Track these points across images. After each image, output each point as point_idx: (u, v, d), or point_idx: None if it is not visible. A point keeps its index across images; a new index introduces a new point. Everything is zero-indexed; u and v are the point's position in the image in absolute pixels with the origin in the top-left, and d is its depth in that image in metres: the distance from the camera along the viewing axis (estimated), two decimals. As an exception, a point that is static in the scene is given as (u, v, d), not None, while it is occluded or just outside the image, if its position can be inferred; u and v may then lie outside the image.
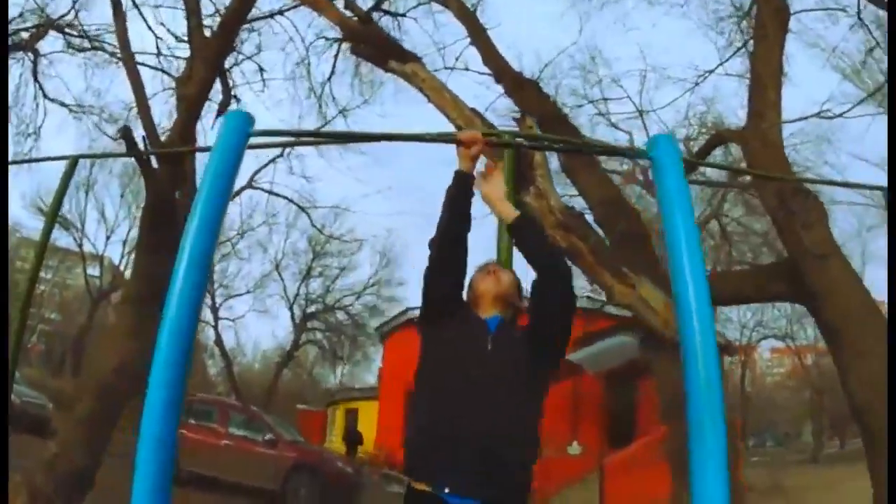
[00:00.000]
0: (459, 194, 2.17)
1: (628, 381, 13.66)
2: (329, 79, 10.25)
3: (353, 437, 19.44)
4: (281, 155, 14.17)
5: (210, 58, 5.13)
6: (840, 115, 8.78)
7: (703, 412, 2.00)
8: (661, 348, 5.26)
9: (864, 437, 4.81)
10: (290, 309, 25.97)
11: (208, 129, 6.38)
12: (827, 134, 15.22)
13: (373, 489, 12.00)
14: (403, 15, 8.79)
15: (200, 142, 5.82)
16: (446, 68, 8.32)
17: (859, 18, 9.02)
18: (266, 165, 16.55)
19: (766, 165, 5.68)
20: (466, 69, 9.18)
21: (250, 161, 15.16)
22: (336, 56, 10.06)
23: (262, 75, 9.38)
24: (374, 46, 6.31)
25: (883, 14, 8.95)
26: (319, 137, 4.94)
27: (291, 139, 2.77)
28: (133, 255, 5.43)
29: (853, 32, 9.58)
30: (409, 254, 27.92)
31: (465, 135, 2.28)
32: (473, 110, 6.12)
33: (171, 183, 5.08)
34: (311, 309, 27.22)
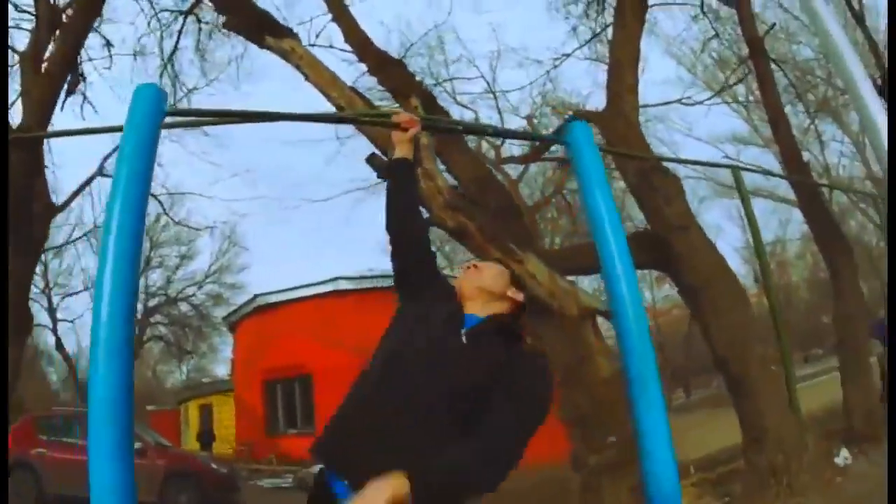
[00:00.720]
0: (406, 180, 2.07)
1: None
2: (172, 55, 9.48)
3: (207, 438, 18.54)
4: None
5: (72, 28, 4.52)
6: (700, 103, 9.83)
7: (642, 365, 2.14)
8: (548, 318, 5.53)
9: (728, 382, 5.57)
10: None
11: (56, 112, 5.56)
12: (663, 116, 16.95)
13: (245, 487, 11.56)
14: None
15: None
16: (311, 45, 7.99)
17: (702, 11, 10.09)
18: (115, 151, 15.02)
19: (627, 145, 6.16)
20: (330, 46, 8.94)
21: (102, 145, 14.06)
22: (180, 31, 9.32)
23: (108, 51, 8.36)
24: (248, 20, 5.89)
25: (723, 8, 10.08)
26: (245, 117, 4.58)
27: (212, 118, 2.52)
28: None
29: (695, 22, 10.72)
30: (251, 238, 26.89)
31: (403, 117, 2.15)
32: (353, 89, 5.98)
33: (26, 173, 4.47)
34: (153, 302, 25.33)
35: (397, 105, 6.11)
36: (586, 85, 28.01)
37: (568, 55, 11.01)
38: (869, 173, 22.04)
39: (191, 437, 21.53)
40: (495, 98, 13.85)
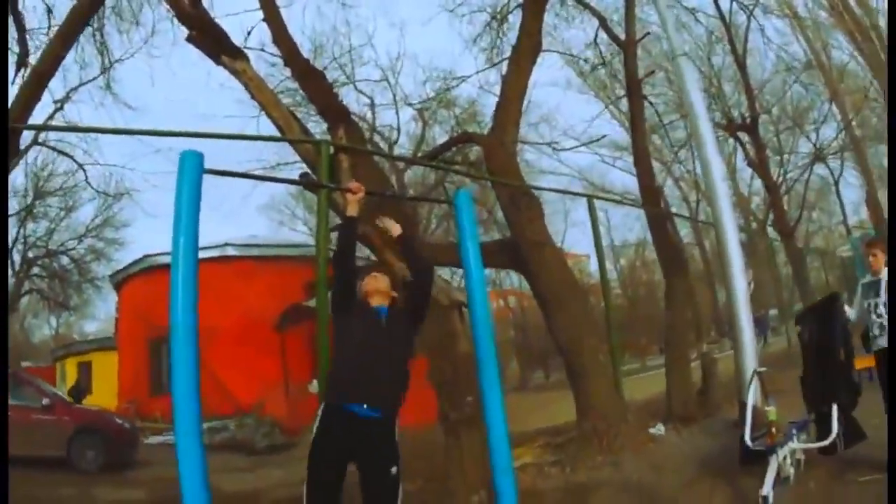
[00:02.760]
0: (350, 235, 3.40)
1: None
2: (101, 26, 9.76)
3: (79, 393, 18.35)
4: (62, 107, 13.58)
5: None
6: (569, 149, 11.42)
7: (485, 352, 3.64)
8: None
9: (567, 368, 7.09)
10: (10, 254, 22.64)
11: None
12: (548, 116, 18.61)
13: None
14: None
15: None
16: (245, 48, 8.61)
17: (595, 42, 11.58)
18: (51, 116, 14.63)
19: (502, 169, 7.41)
20: (262, 50, 9.53)
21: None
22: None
23: (49, 18, 8.45)
24: (210, 39, 6.50)
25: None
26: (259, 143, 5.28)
27: (239, 173, 3.55)
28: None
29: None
30: (141, 197, 25.89)
31: (354, 185, 3.50)
32: (290, 111, 6.83)
33: (8, 156, 5.06)
34: (32, 254, 24.15)
35: (327, 132, 6.97)
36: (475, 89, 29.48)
37: (465, 79, 12.33)
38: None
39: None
40: (392, 88, 15.04)
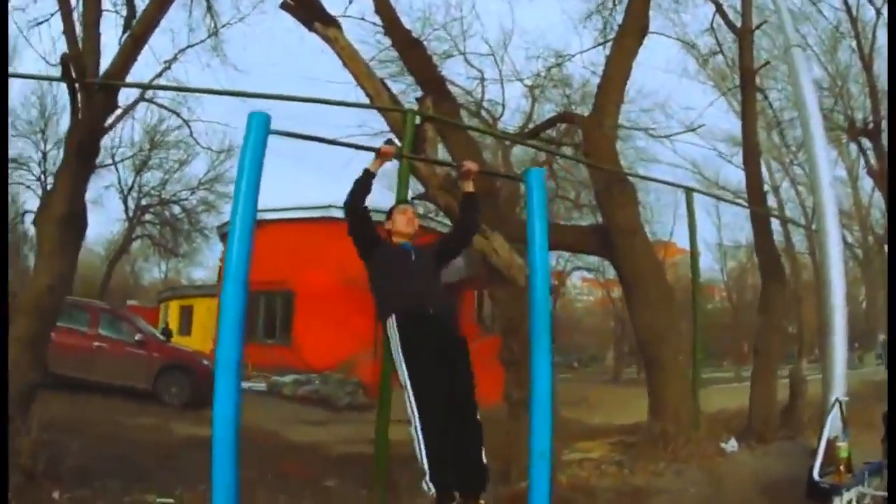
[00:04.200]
0: (366, 184, 3.49)
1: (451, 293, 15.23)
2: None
3: (165, 333, 19.59)
4: (169, 67, 14.35)
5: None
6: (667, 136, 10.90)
7: (541, 337, 3.42)
8: (502, 284, 6.40)
9: (645, 363, 6.79)
10: (125, 201, 24.51)
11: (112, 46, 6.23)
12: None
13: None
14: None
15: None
16: (345, 16, 8.70)
17: (712, 28, 10.90)
18: (158, 75, 15.69)
19: (600, 152, 7.11)
20: (363, 19, 9.59)
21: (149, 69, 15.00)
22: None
23: None
24: (303, 4, 6.63)
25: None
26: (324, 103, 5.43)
27: (302, 134, 3.58)
28: (56, 177, 5.37)
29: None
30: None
31: (386, 149, 3.60)
32: (382, 81, 6.83)
33: (103, 112, 5.37)
34: (145, 202, 25.97)
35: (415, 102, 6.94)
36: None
37: (572, 56, 11.89)
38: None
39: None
40: (498, 63, 14.77)
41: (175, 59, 14.51)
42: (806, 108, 7.44)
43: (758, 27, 9.97)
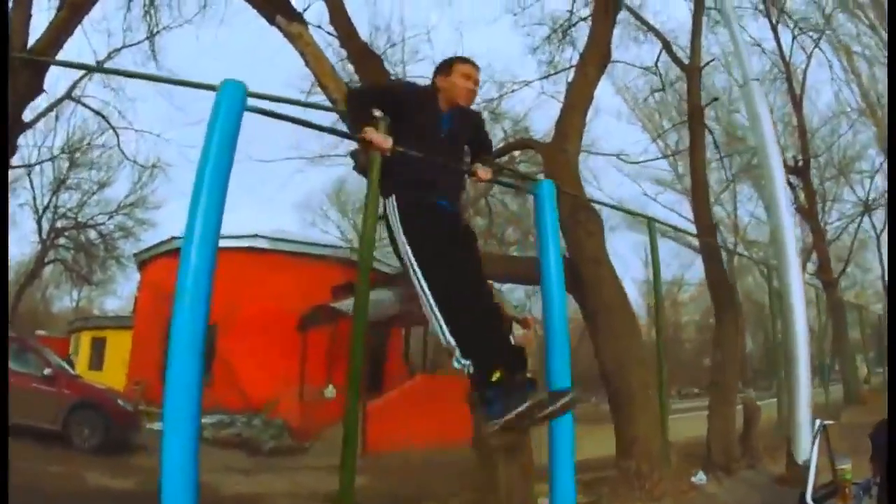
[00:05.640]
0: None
1: (379, 331, 14.54)
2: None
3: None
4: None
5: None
6: (637, 162, 10.94)
7: (561, 373, 3.03)
8: None
9: (609, 394, 6.49)
10: (39, 222, 22.69)
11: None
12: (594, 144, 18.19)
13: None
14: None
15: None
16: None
17: (656, 65, 11.09)
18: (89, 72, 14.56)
19: (562, 179, 6.92)
20: (319, 26, 9.18)
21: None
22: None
23: None
24: None
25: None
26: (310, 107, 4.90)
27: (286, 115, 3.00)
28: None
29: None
30: (175, 180, 25.50)
31: (375, 136, 2.77)
32: (347, 85, 6.40)
33: (27, 95, 4.71)
34: (61, 224, 24.13)
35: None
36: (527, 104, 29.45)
37: (528, 83, 11.84)
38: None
39: (80, 367, 20.92)
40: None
41: (109, 57, 13.45)
42: (764, 139, 7.63)
43: (707, 64, 10.21)
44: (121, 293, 29.80)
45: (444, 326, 2.59)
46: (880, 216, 19.94)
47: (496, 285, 7.44)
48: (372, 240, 4.39)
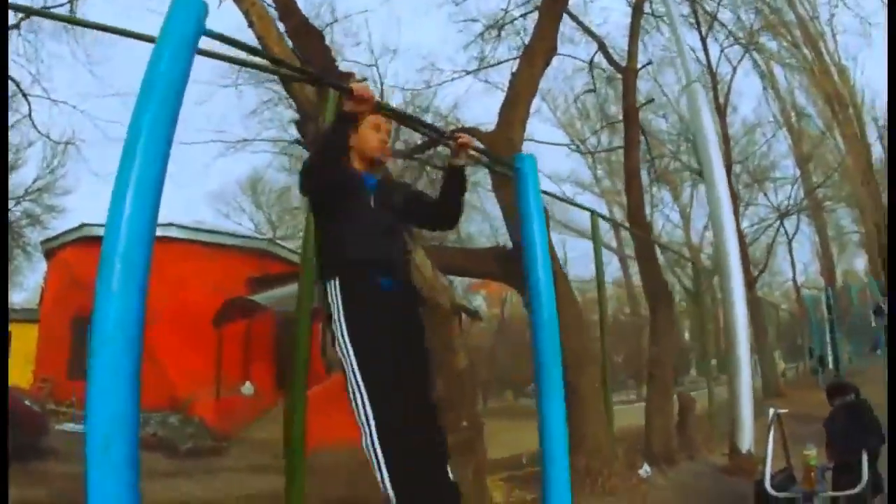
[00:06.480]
0: (343, 129, 2.51)
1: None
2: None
3: None
4: (17, 26, 11.66)
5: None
6: (592, 153, 11.03)
7: (548, 352, 2.89)
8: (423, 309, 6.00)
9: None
10: (-62, 208, 20.54)
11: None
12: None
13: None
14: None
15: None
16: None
17: (590, 65, 11.25)
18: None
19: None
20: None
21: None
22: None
23: None
24: None
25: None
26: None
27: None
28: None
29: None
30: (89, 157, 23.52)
31: (360, 91, 2.42)
32: (293, 51, 5.94)
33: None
34: (-36, 213, 21.97)
35: None
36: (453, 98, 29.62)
37: (469, 72, 11.80)
38: (688, 241, 25.71)
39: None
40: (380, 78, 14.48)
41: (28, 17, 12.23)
42: (706, 137, 7.90)
43: (644, 67, 10.50)
44: (26, 285, 27.61)
45: (385, 472, 2.27)
46: (794, 222, 21.46)
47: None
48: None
